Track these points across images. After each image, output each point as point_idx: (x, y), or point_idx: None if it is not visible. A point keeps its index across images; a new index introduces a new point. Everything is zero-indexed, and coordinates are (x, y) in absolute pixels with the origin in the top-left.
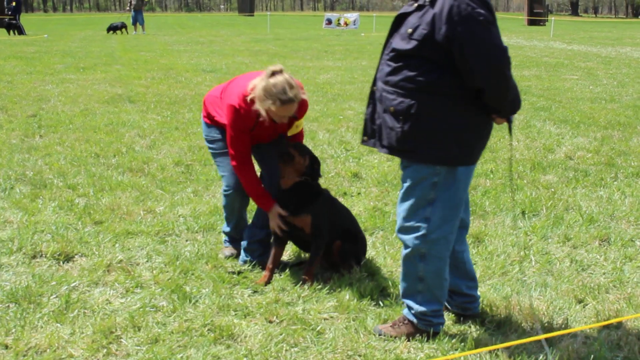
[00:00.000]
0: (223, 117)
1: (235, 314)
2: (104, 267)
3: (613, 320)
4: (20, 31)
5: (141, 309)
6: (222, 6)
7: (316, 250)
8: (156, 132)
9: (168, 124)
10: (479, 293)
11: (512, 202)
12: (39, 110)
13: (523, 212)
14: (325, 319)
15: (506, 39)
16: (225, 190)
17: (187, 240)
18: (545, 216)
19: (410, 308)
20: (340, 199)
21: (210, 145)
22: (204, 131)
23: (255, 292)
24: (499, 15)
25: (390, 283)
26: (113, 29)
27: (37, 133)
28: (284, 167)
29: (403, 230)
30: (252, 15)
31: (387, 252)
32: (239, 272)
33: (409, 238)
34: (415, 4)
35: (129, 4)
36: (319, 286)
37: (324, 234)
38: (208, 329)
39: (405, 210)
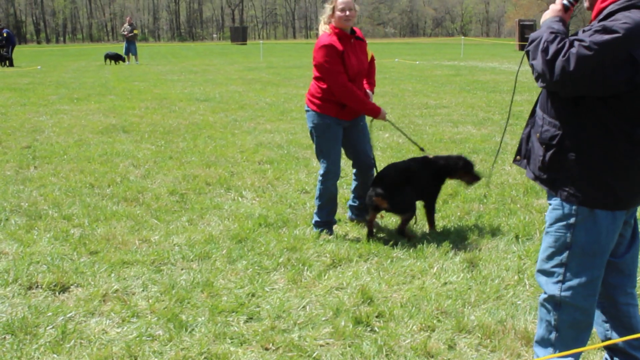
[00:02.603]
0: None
1: (232, 342)
2: (99, 297)
3: (608, 343)
4: (11, 63)
5: (137, 339)
6: (214, 35)
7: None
8: (150, 162)
9: (162, 153)
10: None
11: None
12: (33, 142)
13: (517, 237)
14: (321, 345)
15: (497, 64)
16: (323, 176)
17: (182, 269)
18: (539, 240)
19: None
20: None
21: (317, 134)
22: (311, 121)
23: (250, 319)
24: (489, 40)
25: (385, 309)
26: (112, 58)
27: (32, 164)
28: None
29: (540, 272)
30: (245, 44)
31: (382, 277)
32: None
33: (545, 282)
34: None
35: (123, 32)
36: (315, 312)
37: None
38: (204, 358)
39: (544, 252)
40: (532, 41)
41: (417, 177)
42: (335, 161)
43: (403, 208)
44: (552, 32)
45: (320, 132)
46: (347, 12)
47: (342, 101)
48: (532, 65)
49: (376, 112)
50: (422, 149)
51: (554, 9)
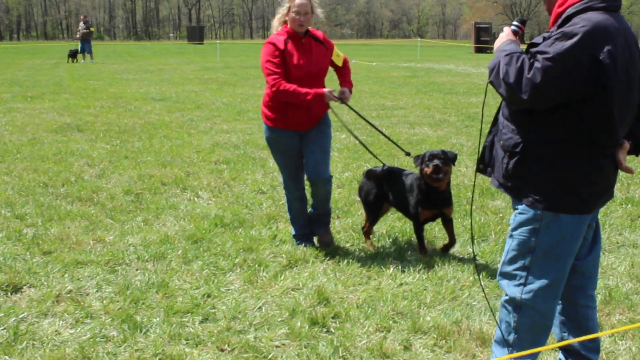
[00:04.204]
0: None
1: (187, 343)
2: (53, 298)
3: (562, 344)
4: None
5: (91, 340)
6: (171, 34)
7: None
8: (105, 161)
9: (117, 152)
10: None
11: None
12: None
13: (472, 238)
14: (277, 346)
15: (454, 66)
16: (284, 189)
17: (137, 270)
18: (494, 241)
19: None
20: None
21: (269, 146)
22: (264, 133)
23: (206, 320)
24: (445, 42)
25: (341, 310)
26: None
27: None
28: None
29: (502, 275)
30: (202, 44)
31: (338, 278)
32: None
33: (507, 285)
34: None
35: (77, 33)
36: (270, 313)
37: None
38: (159, 359)
39: (506, 254)
40: (492, 71)
41: (392, 188)
42: (290, 174)
43: (363, 203)
44: (506, 55)
45: (271, 146)
46: (301, 17)
47: (280, 99)
48: (500, 94)
49: (319, 97)
50: (407, 154)
51: (504, 34)
